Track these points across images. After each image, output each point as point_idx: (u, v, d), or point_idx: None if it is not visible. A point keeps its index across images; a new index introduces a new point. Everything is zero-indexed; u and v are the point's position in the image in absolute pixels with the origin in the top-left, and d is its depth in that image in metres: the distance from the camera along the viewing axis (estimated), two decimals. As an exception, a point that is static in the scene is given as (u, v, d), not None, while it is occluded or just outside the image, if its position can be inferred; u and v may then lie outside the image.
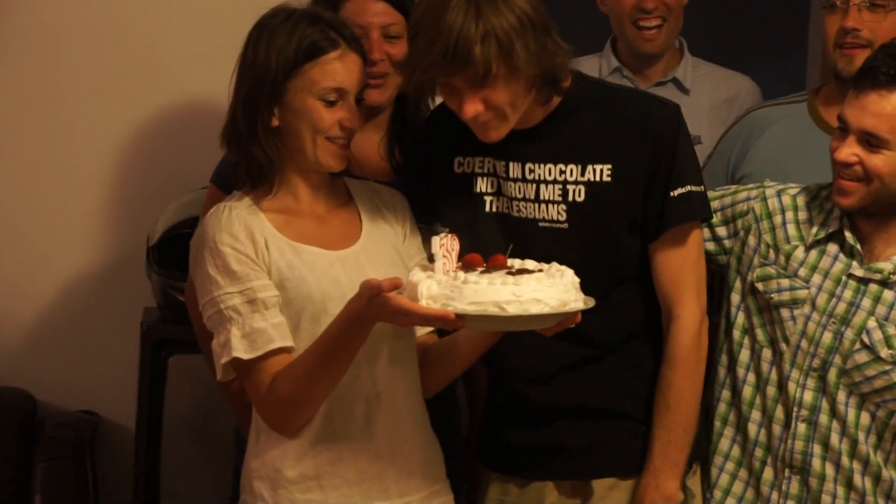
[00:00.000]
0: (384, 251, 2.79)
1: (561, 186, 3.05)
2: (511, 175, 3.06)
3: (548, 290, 2.53)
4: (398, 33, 3.36)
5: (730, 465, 3.27)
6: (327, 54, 2.59)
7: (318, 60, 2.58)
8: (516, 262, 2.70)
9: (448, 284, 2.49)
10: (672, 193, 3.06)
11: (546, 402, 3.12)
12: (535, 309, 2.49)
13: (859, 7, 3.44)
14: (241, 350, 2.52)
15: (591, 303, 2.64)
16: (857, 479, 3.15)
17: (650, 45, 4.20)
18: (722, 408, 3.28)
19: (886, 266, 3.04)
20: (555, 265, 2.66)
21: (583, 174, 3.03)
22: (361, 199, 2.88)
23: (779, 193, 3.22)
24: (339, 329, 2.52)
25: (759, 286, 3.17)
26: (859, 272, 3.06)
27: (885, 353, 3.03)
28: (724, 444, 3.28)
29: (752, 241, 3.21)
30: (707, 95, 4.27)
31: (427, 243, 2.95)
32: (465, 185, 3.11)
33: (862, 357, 3.04)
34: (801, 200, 3.19)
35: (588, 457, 3.12)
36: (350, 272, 2.64)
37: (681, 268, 3.11)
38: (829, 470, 3.14)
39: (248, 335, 2.53)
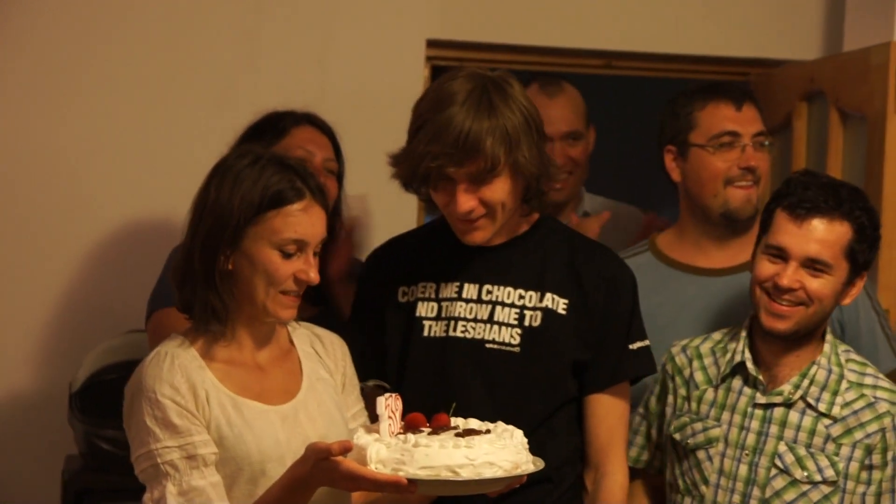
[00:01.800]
0: (323, 405, 2.66)
1: (518, 311, 3.05)
2: (464, 296, 3.07)
3: (500, 453, 2.45)
4: (334, 169, 3.54)
5: None
6: (292, 205, 2.48)
7: (281, 210, 2.47)
8: (460, 422, 2.63)
9: (398, 448, 2.40)
10: (631, 346, 3.10)
11: None
12: (488, 473, 2.42)
13: (754, 146, 3.51)
14: None
15: (541, 464, 2.58)
16: None
17: (558, 195, 4.19)
18: None
19: (786, 388, 3.09)
20: (501, 425, 2.59)
21: (541, 301, 3.04)
22: (303, 347, 2.75)
23: (683, 349, 3.28)
24: (280, 493, 2.41)
25: (676, 436, 3.19)
26: (762, 400, 3.10)
27: (799, 474, 3.06)
28: None
29: (670, 399, 3.26)
30: (607, 223, 4.18)
31: (365, 396, 2.97)
32: (408, 312, 3.11)
33: (779, 483, 3.08)
34: (704, 349, 3.26)
35: None
36: (290, 430, 2.54)
37: (619, 421, 3.11)
38: None
39: (185, 493, 2.38)
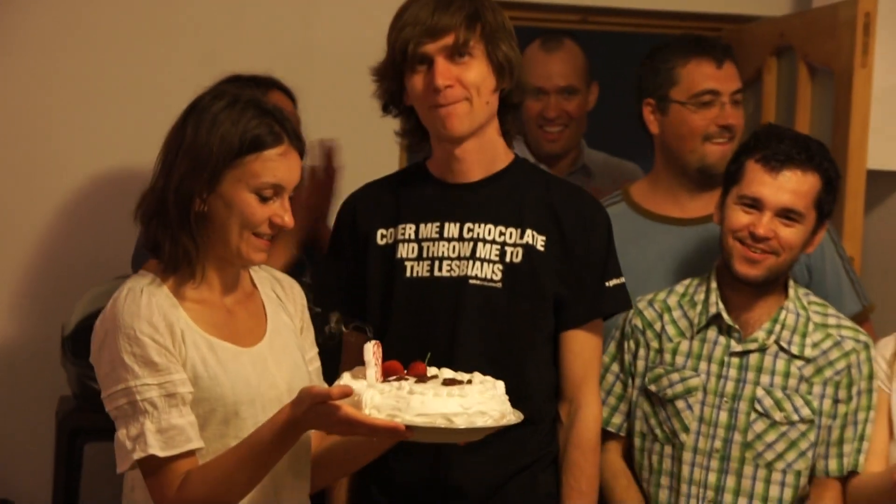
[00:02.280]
0: (287, 348, 2.64)
1: (499, 247, 3.06)
2: (446, 235, 3.08)
3: (490, 402, 2.45)
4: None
5: None
6: (271, 149, 2.41)
7: (260, 154, 2.39)
8: (434, 371, 2.61)
9: (392, 394, 2.39)
10: (608, 283, 3.13)
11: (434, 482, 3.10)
12: (480, 421, 2.42)
13: (732, 103, 3.56)
14: (156, 447, 2.29)
15: (521, 416, 2.58)
16: None
17: (553, 146, 4.39)
18: None
19: (760, 334, 3.14)
20: (478, 375, 2.57)
21: (521, 237, 3.05)
22: (265, 290, 2.71)
23: (650, 303, 3.33)
24: (270, 435, 2.35)
25: (652, 387, 3.23)
26: (738, 348, 3.15)
27: (778, 416, 3.11)
28: None
29: (642, 353, 3.28)
30: (607, 179, 4.39)
31: (321, 334, 2.92)
32: (387, 255, 3.11)
33: (759, 426, 3.11)
34: (671, 302, 3.30)
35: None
36: (259, 372, 2.50)
37: (594, 355, 3.15)
38: None
39: (164, 431, 2.30)
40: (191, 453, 2.33)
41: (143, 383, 2.29)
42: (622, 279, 3.18)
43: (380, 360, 2.48)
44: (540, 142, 4.43)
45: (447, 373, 2.57)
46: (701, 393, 3.15)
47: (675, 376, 3.18)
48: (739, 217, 3.12)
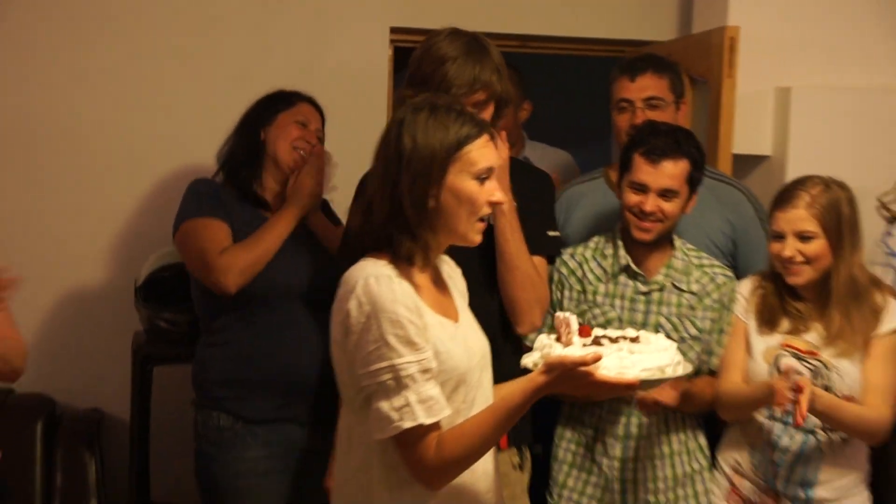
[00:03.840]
0: (470, 319, 2.49)
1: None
2: None
3: (677, 355, 2.37)
4: (322, 136, 3.52)
5: (571, 445, 3.31)
6: (479, 138, 2.26)
7: (473, 145, 2.25)
8: (599, 331, 2.44)
9: (616, 356, 2.24)
10: (549, 233, 3.16)
11: None
12: (680, 370, 2.34)
13: (643, 108, 3.50)
14: (422, 416, 2.14)
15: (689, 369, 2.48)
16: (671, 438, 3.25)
17: None
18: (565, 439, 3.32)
19: (659, 278, 3.20)
20: (643, 333, 2.44)
21: None
22: (444, 269, 2.55)
23: (572, 255, 3.32)
24: (521, 399, 2.18)
25: (579, 320, 3.02)
26: (644, 288, 3.20)
27: (675, 335, 3.13)
28: (562, 452, 3.32)
29: (567, 293, 3.29)
30: (545, 164, 4.28)
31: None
32: None
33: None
34: (587, 254, 3.30)
35: None
36: (469, 343, 2.36)
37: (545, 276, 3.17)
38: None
39: (425, 401, 2.15)
40: (439, 421, 2.19)
41: (405, 361, 2.15)
42: (558, 233, 3.24)
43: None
44: None
45: (611, 332, 2.42)
46: (617, 322, 3.16)
47: (597, 311, 3.21)
48: (631, 197, 3.15)
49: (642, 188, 3.13)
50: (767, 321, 3.13)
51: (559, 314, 2.29)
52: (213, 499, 3.41)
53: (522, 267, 2.99)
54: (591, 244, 3.33)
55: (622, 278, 3.23)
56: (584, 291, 3.26)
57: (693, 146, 3.18)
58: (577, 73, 4.79)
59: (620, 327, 3.02)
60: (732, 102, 3.97)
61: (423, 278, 2.30)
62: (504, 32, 4.49)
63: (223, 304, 3.34)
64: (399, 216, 2.23)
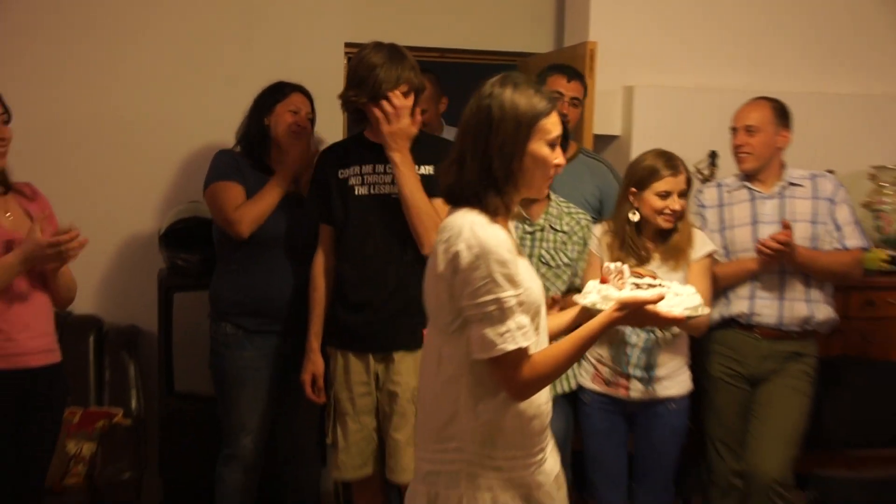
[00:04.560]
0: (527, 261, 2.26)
1: None
2: (377, 170, 3.02)
3: (700, 299, 2.24)
4: (312, 118, 3.46)
5: None
6: (552, 113, 2.07)
7: (549, 117, 2.06)
8: (646, 274, 2.35)
9: (670, 297, 2.15)
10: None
11: (371, 304, 3.03)
12: (704, 311, 2.24)
13: (567, 103, 3.50)
14: (521, 340, 1.99)
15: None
16: None
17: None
18: None
19: (540, 221, 3.16)
20: (674, 284, 2.29)
21: (418, 169, 2.98)
22: None
23: None
24: (598, 329, 2.07)
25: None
26: (530, 229, 3.16)
27: (552, 263, 3.13)
28: None
29: None
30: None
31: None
32: (344, 184, 3.05)
33: (543, 269, 3.10)
34: None
35: (391, 338, 3.04)
36: (536, 280, 2.16)
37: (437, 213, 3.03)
38: None
39: (521, 328, 1.99)
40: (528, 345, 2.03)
41: (508, 295, 1.97)
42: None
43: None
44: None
45: (650, 280, 2.27)
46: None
47: None
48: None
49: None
50: (618, 257, 3.07)
51: (612, 265, 2.19)
52: (223, 386, 3.45)
53: (418, 203, 2.92)
54: None
55: (514, 223, 3.05)
56: None
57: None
58: (482, 76, 4.83)
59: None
60: (593, 97, 3.91)
61: (504, 226, 2.11)
62: (428, 46, 4.44)
63: (235, 246, 3.36)
64: (488, 175, 2.05)
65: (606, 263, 2.24)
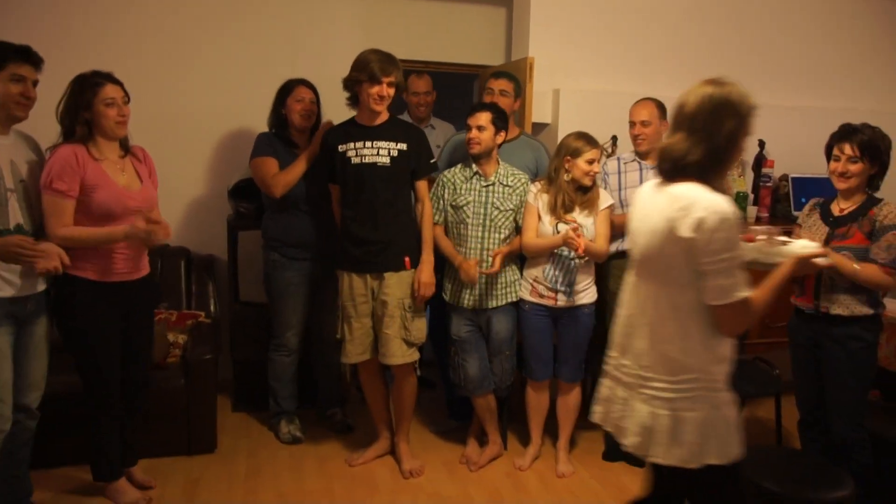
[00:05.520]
0: None
1: (387, 150, 2.93)
2: (366, 146, 2.94)
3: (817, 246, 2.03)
4: (316, 101, 3.33)
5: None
6: (754, 110, 1.77)
7: (754, 114, 1.77)
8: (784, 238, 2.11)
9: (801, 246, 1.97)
10: (431, 161, 3.05)
11: (367, 239, 2.96)
12: (823, 261, 2.02)
13: (497, 94, 3.30)
14: (747, 290, 1.74)
15: None
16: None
17: (420, 114, 4.07)
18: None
19: (492, 178, 3.06)
20: (800, 240, 2.08)
21: (396, 145, 2.94)
22: None
23: (449, 172, 3.12)
24: (782, 278, 1.85)
25: (451, 203, 3.08)
26: (484, 183, 3.06)
27: (501, 207, 3.03)
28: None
29: (447, 190, 3.07)
30: (441, 129, 4.12)
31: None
32: (344, 155, 2.97)
33: (494, 213, 3.02)
34: (457, 171, 3.10)
35: (382, 263, 2.97)
36: None
37: (425, 185, 3.05)
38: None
39: (745, 280, 1.73)
40: None
41: (741, 253, 1.71)
42: (435, 159, 3.09)
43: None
44: (414, 112, 4.08)
45: (784, 238, 2.07)
46: (473, 203, 3.04)
47: (461, 199, 3.04)
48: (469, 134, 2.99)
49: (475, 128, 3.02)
50: (552, 207, 2.99)
51: (758, 228, 1.96)
52: (272, 296, 3.43)
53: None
54: (459, 166, 3.15)
55: (474, 180, 3.08)
56: (455, 189, 3.09)
57: (496, 109, 3.04)
58: (457, 81, 4.67)
59: (473, 207, 3.03)
60: (531, 96, 3.80)
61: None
62: (411, 59, 4.25)
63: (274, 201, 3.31)
64: (713, 157, 1.76)
65: (753, 227, 2.03)
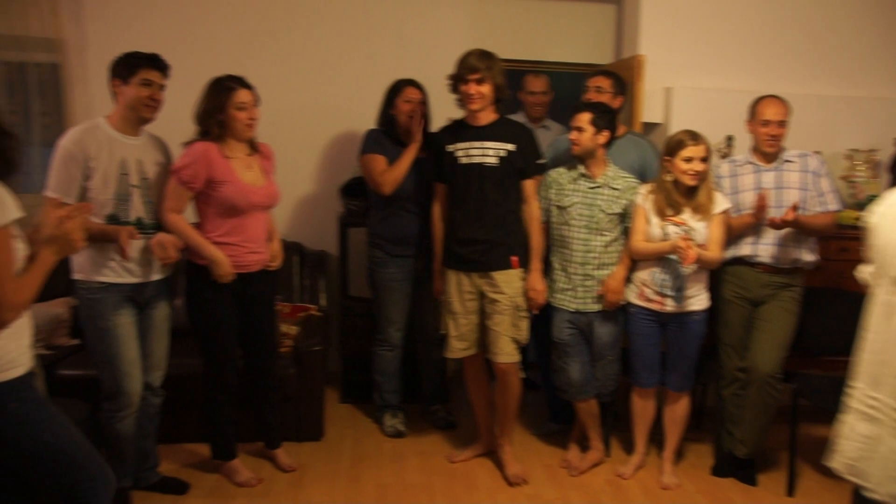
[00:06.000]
0: None
1: (495, 150, 2.92)
2: (474, 146, 2.93)
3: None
4: (425, 103, 3.31)
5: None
6: None
7: None
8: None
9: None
10: (538, 161, 3.02)
11: (474, 239, 2.95)
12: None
13: (594, 91, 3.23)
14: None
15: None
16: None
17: (536, 113, 4.01)
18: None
19: (600, 180, 3.00)
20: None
21: (504, 146, 2.92)
22: None
23: (555, 172, 3.06)
24: None
25: (557, 203, 3.03)
26: (590, 185, 3.00)
27: (609, 210, 2.97)
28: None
29: (553, 190, 3.02)
30: (553, 133, 3.99)
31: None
32: (452, 155, 2.97)
33: (600, 216, 2.96)
34: (563, 171, 3.05)
35: (488, 263, 2.95)
36: None
37: (533, 185, 3.00)
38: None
39: None
40: None
41: None
42: (544, 160, 3.08)
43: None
44: (529, 112, 4.04)
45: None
46: (579, 205, 2.98)
47: (566, 200, 2.99)
48: (570, 134, 2.95)
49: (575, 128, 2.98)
50: (660, 209, 2.92)
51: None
52: (376, 292, 3.47)
53: None
54: (565, 167, 3.09)
55: (580, 181, 3.03)
56: (561, 189, 3.05)
57: (595, 108, 2.97)
58: (567, 81, 4.59)
59: (579, 207, 2.98)
60: (642, 95, 3.78)
61: None
62: (521, 59, 4.20)
63: (382, 199, 3.33)
64: None
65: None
